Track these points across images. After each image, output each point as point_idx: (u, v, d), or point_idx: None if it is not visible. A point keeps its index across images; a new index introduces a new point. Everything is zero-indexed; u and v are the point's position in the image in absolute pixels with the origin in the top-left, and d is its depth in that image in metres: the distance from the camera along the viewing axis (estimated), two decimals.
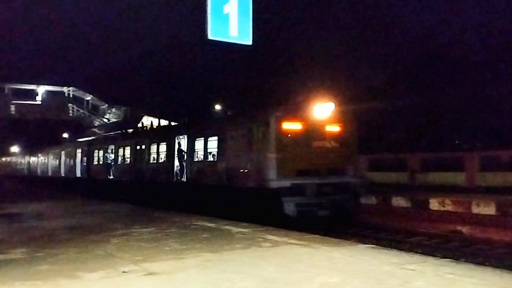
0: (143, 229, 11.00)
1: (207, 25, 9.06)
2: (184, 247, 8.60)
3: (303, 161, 14.83)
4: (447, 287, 5.71)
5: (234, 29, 9.39)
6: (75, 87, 49.15)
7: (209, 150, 17.91)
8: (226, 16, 9.32)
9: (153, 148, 22.02)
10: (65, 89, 49.04)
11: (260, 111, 16.64)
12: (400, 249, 9.04)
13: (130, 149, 24.26)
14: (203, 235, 9.98)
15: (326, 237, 9.76)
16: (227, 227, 11.24)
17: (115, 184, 25.84)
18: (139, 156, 23.07)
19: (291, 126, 15.06)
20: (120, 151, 25.67)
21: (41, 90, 47.43)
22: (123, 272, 6.61)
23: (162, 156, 21.21)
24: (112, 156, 26.23)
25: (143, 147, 22.86)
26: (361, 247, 8.66)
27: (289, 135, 15.00)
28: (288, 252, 8.11)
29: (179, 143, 19.78)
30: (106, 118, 49.53)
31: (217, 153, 17.22)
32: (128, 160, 24.63)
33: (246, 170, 15.37)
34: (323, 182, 14.54)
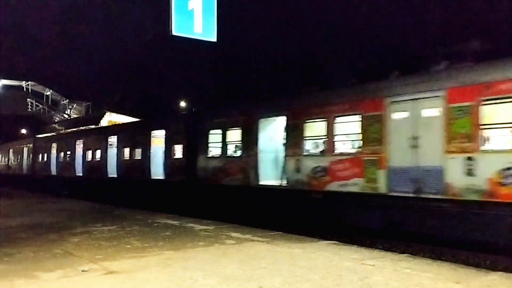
0: (104, 227, 10.80)
1: (171, 21, 9.00)
2: (146, 245, 8.51)
3: None
4: (404, 281, 5.87)
5: (198, 26, 9.36)
6: (34, 81, 47.62)
7: None
8: (191, 12, 9.29)
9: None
10: (23, 83, 47.45)
11: None
12: (361, 245, 9.20)
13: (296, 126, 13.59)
14: (166, 233, 9.90)
15: (289, 234, 9.85)
16: (190, 224, 11.19)
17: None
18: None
19: None
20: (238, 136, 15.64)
21: None
22: (83, 271, 6.48)
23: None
24: (232, 146, 16.15)
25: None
26: (323, 243, 8.79)
27: None
28: (251, 249, 8.14)
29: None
30: (66, 114, 48.25)
31: None
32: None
33: None
34: None
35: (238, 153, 15.77)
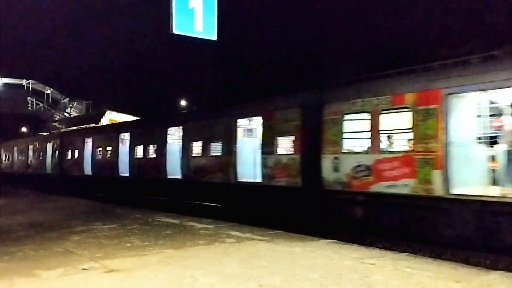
0: (104, 226, 10.81)
1: (171, 19, 9.01)
2: (146, 243, 8.51)
3: None
4: (405, 280, 5.87)
5: (199, 24, 9.37)
6: (34, 80, 47.66)
7: None
8: (191, 11, 9.30)
9: None
10: (24, 81, 47.50)
11: None
12: (361, 244, 9.20)
13: None
14: (166, 232, 9.91)
15: (289, 233, 9.85)
16: (190, 223, 11.19)
17: None
18: None
19: None
20: None
21: None
22: (83, 269, 6.48)
23: None
24: (390, 137, 11.64)
25: None
26: (323, 242, 8.78)
27: None
28: (251, 247, 8.14)
29: None
30: (67, 113, 48.30)
31: None
32: None
33: None
34: None
35: (404, 146, 11.13)
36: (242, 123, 15.85)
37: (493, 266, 8.18)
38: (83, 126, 31.50)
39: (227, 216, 12.66)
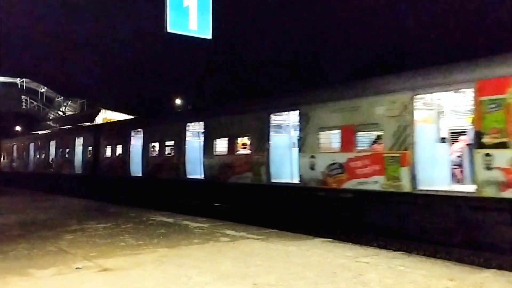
0: (98, 225, 10.77)
1: (166, 17, 9.00)
2: (141, 242, 8.49)
3: None
4: (398, 279, 5.89)
5: (193, 23, 9.36)
6: (28, 78, 47.42)
7: None
8: (186, 9, 9.29)
9: None
10: (18, 80, 47.25)
11: None
12: (356, 242, 9.22)
13: None
14: (160, 230, 9.88)
15: (284, 232, 9.84)
16: (185, 222, 11.18)
17: None
18: None
19: None
20: None
21: None
22: (76, 268, 6.46)
23: None
24: None
25: None
26: (318, 241, 8.79)
27: None
28: (245, 246, 8.14)
29: None
30: (61, 111, 48.09)
31: None
32: None
33: None
34: None
35: None
36: (423, 100, 10.70)
37: (486, 265, 8.22)
38: (128, 118, 27.32)
39: (221, 215, 12.65)
